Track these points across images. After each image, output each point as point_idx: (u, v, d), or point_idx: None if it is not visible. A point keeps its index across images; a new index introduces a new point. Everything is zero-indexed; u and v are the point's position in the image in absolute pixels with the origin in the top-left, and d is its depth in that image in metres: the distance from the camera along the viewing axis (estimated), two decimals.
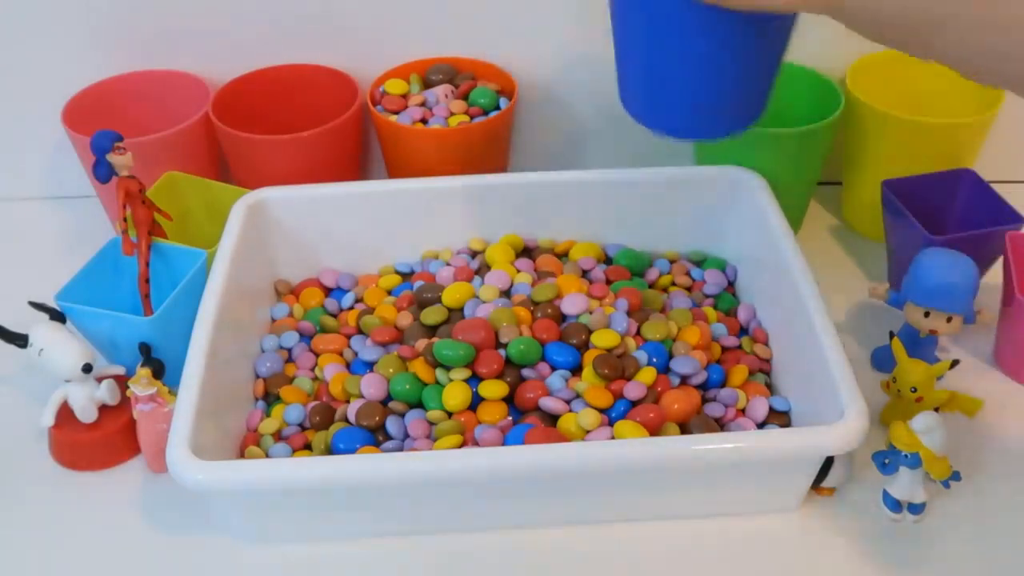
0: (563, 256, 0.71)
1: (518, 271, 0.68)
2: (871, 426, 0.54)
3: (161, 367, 0.60)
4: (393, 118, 0.77)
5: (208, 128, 0.77)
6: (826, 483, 0.57)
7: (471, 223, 0.71)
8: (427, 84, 0.81)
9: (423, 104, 0.79)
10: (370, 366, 0.62)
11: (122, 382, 0.62)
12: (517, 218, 0.71)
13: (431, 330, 0.63)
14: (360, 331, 0.66)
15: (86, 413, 0.61)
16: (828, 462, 0.56)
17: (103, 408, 0.62)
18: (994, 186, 0.70)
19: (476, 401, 0.59)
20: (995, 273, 0.68)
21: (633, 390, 0.58)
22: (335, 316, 0.68)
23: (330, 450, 0.57)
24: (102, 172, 0.64)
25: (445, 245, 0.72)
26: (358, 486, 0.51)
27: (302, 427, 0.60)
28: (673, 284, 0.70)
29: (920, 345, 0.63)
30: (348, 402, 0.60)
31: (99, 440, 0.61)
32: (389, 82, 0.80)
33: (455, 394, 0.58)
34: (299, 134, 0.74)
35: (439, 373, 0.59)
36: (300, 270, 0.71)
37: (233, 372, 0.60)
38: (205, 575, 0.55)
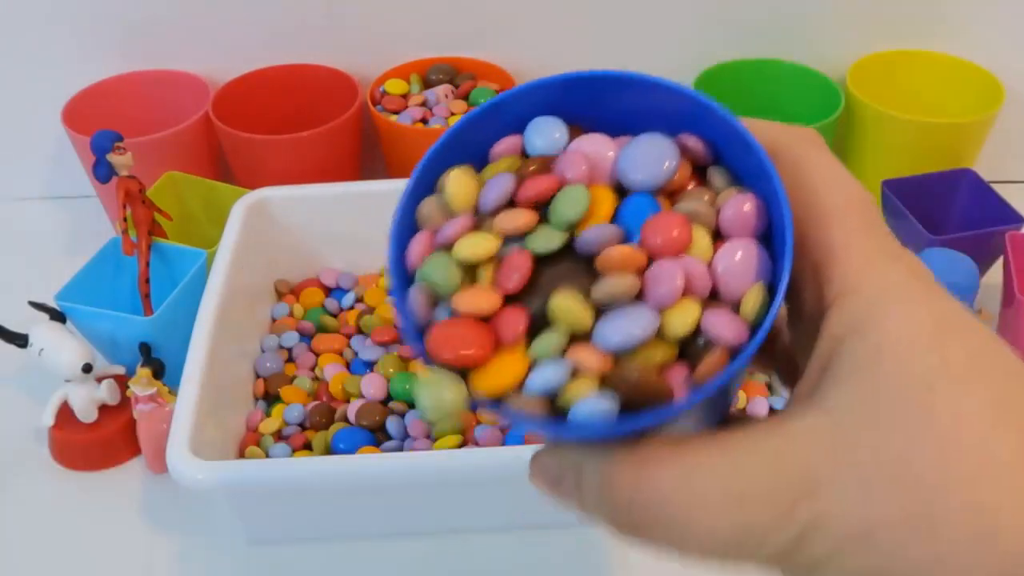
0: None
1: None
2: None
3: (161, 367, 0.60)
4: (393, 118, 0.77)
5: (208, 128, 0.77)
6: None
7: None
8: (427, 84, 0.81)
9: (423, 104, 0.79)
10: (370, 366, 0.62)
11: (122, 382, 0.62)
12: None
13: None
14: (360, 331, 0.66)
15: (86, 413, 0.61)
16: None
17: (103, 408, 0.62)
18: (994, 186, 0.70)
19: None
20: (995, 273, 0.68)
21: None
22: (335, 316, 0.68)
23: (330, 450, 0.57)
24: (102, 172, 0.64)
25: None
26: (358, 486, 0.51)
27: (302, 427, 0.60)
28: None
29: None
30: (348, 402, 0.60)
31: (99, 440, 0.61)
32: (389, 82, 0.80)
33: None
34: (299, 134, 0.74)
35: None
36: (300, 270, 0.71)
37: (233, 372, 0.60)
38: (205, 575, 0.55)
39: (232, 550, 0.56)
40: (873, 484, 0.19)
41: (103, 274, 0.66)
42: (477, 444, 0.56)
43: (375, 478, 0.50)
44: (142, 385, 0.59)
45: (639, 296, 0.22)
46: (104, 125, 0.64)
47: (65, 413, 0.61)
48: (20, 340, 0.61)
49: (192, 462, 0.49)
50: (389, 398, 0.59)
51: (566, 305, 0.21)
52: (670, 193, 0.23)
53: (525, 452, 0.51)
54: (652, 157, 0.23)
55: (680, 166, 0.23)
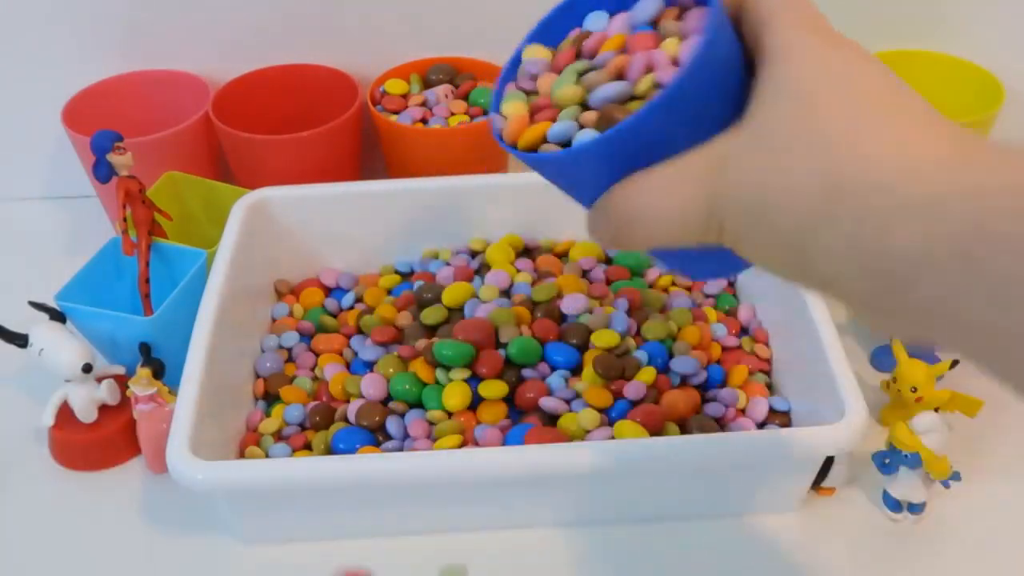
0: (563, 256, 0.71)
1: (518, 271, 0.68)
2: (871, 426, 0.54)
3: (161, 367, 0.60)
4: (393, 118, 0.77)
5: (208, 128, 0.77)
6: (826, 483, 0.57)
7: (471, 223, 0.71)
8: (427, 84, 0.81)
9: (423, 104, 0.79)
10: (370, 366, 0.62)
11: (122, 382, 0.62)
12: (517, 218, 0.71)
13: (431, 330, 0.63)
14: (360, 331, 0.66)
15: (86, 413, 0.61)
16: (828, 462, 0.56)
17: (103, 408, 0.62)
18: None
19: (476, 401, 0.59)
20: None
21: (633, 390, 0.58)
22: (335, 316, 0.68)
23: (330, 450, 0.57)
24: (102, 172, 0.64)
25: (445, 245, 0.72)
26: (358, 486, 0.51)
27: (302, 427, 0.60)
28: (673, 284, 0.70)
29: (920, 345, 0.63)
30: (348, 402, 0.60)
31: (99, 440, 0.61)
32: (389, 82, 0.80)
33: (455, 394, 0.58)
34: (299, 134, 0.74)
35: (439, 373, 0.59)
36: (300, 270, 0.71)
37: (233, 372, 0.60)
38: (205, 575, 0.55)
39: (232, 550, 0.56)
40: (767, 152, 0.28)
41: (103, 274, 0.66)
42: (477, 444, 0.56)
43: (375, 478, 0.50)
44: (142, 385, 0.59)
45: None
46: (104, 125, 0.65)
47: (65, 413, 0.61)
48: (20, 340, 0.61)
49: (192, 462, 0.49)
50: (389, 398, 0.59)
51: (565, 86, 0.34)
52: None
53: (525, 452, 0.52)
54: (647, 4, 0.34)
55: (667, 11, 0.34)
